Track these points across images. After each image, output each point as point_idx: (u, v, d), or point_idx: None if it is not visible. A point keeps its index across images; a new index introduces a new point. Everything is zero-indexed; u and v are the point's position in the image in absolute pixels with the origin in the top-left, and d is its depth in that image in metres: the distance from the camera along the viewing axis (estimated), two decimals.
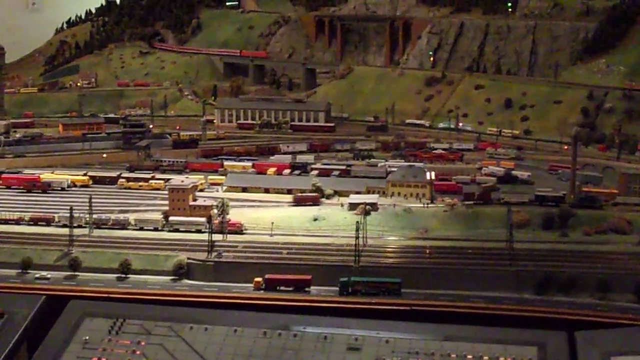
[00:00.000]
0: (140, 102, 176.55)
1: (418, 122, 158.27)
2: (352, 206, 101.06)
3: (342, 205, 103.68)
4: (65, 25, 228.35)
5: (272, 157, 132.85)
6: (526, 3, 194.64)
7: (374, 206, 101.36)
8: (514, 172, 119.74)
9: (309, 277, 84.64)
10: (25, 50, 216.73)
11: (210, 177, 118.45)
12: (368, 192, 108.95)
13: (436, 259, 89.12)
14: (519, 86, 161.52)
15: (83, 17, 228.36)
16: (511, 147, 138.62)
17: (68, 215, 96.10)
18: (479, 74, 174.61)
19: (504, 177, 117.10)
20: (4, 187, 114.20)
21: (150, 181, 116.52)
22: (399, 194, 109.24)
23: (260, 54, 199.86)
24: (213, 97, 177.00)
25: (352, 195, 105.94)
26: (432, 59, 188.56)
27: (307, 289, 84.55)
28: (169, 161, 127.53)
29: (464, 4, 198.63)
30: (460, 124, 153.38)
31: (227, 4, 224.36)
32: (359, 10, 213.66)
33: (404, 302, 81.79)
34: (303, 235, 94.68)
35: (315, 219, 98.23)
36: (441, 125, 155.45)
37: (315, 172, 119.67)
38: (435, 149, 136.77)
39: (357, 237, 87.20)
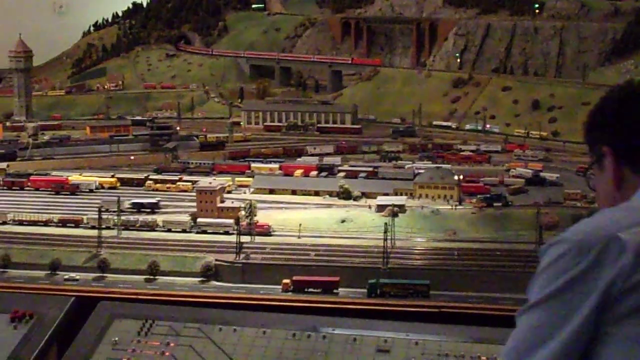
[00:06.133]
0: (166, 104, 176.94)
1: (445, 123, 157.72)
2: (380, 208, 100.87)
3: (369, 207, 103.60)
4: (92, 29, 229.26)
5: (298, 159, 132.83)
6: (553, 4, 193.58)
7: (401, 208, 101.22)
8: (542, 174, 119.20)
9: (337, 278, 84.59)
10: (52, 53, 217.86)
11: (237, 178, 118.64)
12: (396, 194, 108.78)
13: (465, 261, 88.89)
14: (546, 88, 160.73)
15: (110, 20, 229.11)
16: (539, 148, 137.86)
17: (96, 216, 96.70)
18: (506, 76, 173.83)
19: (532, 179, 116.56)
20: (33, 189, 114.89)
21: (178, 183, 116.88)
22: (426, 195, 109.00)
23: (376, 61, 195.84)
24: (239, 99, 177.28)
25: (379, 197, 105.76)
26: (458, 60, 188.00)
27: (335, 290, 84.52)
28: (196, 163, 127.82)
29: (491, 5, 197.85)
30: (488, 126, 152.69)
31: (253, 6, 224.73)
32: (385, 11, 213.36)
33: (433, 304, 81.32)
34: (331, 237, 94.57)
35: (343, 221, 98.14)
36: (468, 127, 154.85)
37: (342, 174, 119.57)
38: (463, 150, 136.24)
39: (385, 239, 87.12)
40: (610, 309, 2.80)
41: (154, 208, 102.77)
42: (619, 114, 3.20)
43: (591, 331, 2.82)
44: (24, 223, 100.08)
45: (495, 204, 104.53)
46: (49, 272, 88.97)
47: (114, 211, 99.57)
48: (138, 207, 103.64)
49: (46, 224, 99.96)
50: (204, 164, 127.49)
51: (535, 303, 2.91)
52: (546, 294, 2.88)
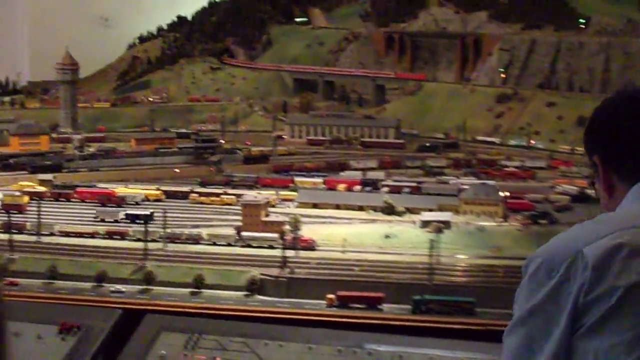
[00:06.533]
0: (210, 117, 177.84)
1: (489, 139, 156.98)
2: (425, 224, 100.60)
3: (414, 222, 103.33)
4: (137, 41, 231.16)
5: (342, 174, 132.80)
6: (598, 19, 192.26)
7: (446, 224, 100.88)
8: (587, 191, 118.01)
9: (381, 294, 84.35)
10: (98, 65, 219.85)
11: (281, 192, 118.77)
12: (440, 210, 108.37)
13: (510, 278, 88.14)
14: (591, 103, 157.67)
15: (155, 33, 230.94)
16: (584, 165, 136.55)
17: (142, 229, 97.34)
18: (551, 91, 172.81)
19: (578, 196, 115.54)
20: (79, 200, 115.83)
21: (222, 196, 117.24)
22: (471, 212, 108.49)
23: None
24: (283, 113, 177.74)
25: (424, 213, 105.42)
26: (503, 75, 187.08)
27: (379, 306, 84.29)
28: (240, 176, 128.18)
29: (535, 20, 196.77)
30: (532, 142, 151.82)
31: (297, 20, 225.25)
32: (429, 26, 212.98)
33: (479, 322, 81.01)
34: (375, 253, 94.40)
35: (387, 237, 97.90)
36: (512, 142, 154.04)
37: (385, 189, 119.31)
38: (507, 166, 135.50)
39: (430, 255, 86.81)
40: (579, 323, 2.86)
41: (147, 220, 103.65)
42: (606, 124, 3.35)
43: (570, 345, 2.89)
44: (71, 235, 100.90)
45: (540, 221, 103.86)
46: (95, 284, 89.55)
47: (110, 221, 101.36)
48: (132, 219, 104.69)
49: (92, 235, 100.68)
50: (248, 177, 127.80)
51: (517, 322, 3.03)
52: (527, 309, 2.98)
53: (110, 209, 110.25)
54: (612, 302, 2.79)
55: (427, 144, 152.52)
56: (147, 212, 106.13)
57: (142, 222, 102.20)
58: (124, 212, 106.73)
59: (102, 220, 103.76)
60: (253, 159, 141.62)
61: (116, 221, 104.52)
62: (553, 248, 3.06)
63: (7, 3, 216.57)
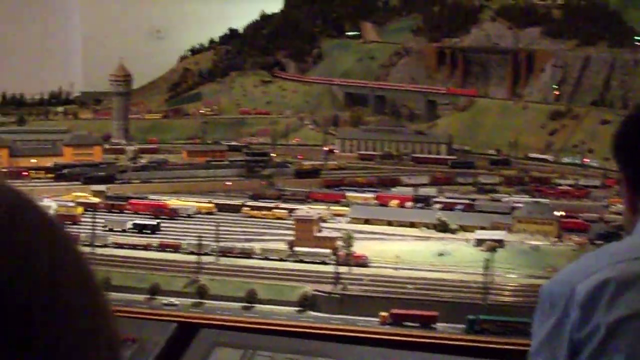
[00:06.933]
0: (261, 130, 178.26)
1: (541, 156, 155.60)
2: (479, 242, 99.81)
3: (467, 240, 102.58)
4: (188, 53, 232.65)
5: (393, 189, 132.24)
6: None
7: (500, 243, 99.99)
8: None
9: (435, 313, 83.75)
10: (149, 77, 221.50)
11: (332, 207, 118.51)
12: (493, 228, 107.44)
13: None
14: None
15: (206, 45, 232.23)
16: None
17: (195, 242, 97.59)
18: (605, 109, 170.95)
19: None
20: (132, 212, 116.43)
21: (274, 210, 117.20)
22: (524, 230, 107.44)
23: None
24: (334, 127, 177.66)
25: (478, 231, 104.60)
26: (556, 92, 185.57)
27: (432, 325, 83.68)
28: (292, 190, 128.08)
29: (589, 37, 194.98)
30: (586, 160, 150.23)
31: (348, 34, 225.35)
32: (481, 41, 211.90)
33: None
34: (428, 270, 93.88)
35: (441, 254, 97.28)
36: (566, 160, 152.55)
37: (438, 206, 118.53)
38: (561, 184, 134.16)
39: (485, 275, 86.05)
40: (577, 359, 2.87)
41: (154, 230, 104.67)
42: (629, 141, 3.26)
43: None
44: (124, 246, 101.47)
45: (596, 241, 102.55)
46: (148, 296, 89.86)
47: (117, 231, 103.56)
48: (139, 228, 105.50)
49: (145, 248, 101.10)
50: (300, 191, 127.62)
51: (532, 354, 3.04)
52: (538, 342, 3.00)
53: (118, 217, 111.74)
54: (600, 339, 2.77)
55: (460, 160, 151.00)
56: (154, 222, 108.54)
57: (148, 232, 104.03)
58: (131, 222, 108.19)
59: (111, 230, 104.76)
60: (304, 173, 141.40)
61: (124, 230, 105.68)
62: (558, 281, 3.00)
63: (62, 15, 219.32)
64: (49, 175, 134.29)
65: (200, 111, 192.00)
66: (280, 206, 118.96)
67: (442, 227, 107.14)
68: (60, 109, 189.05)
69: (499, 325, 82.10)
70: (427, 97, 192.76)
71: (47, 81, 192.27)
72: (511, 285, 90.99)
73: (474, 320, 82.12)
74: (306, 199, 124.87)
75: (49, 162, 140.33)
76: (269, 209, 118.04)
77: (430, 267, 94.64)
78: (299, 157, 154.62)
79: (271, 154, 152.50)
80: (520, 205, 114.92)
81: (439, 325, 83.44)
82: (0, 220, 1.58)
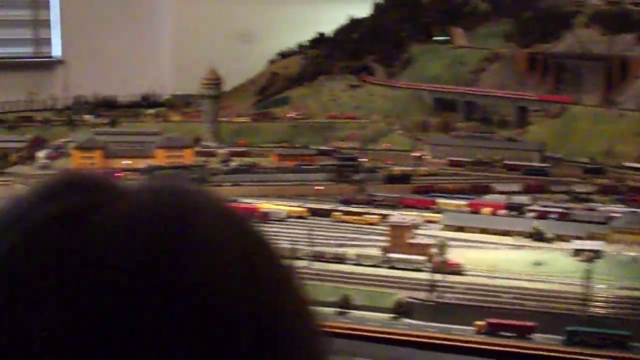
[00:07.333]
0: (349, 134, 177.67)
1: (637, 165, 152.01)
2: (576, 252, 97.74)
3: (562, 250, 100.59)
4: (277, 57, 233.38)
5: (485, 197, 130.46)
6: None
7: (598, 253, 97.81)
8: None
9: (533, 324, 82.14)
10: (237, 80, 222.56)
11: (423, 214, 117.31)
12: (589, 238, 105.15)
13: None
14: None
15: (295, 49, 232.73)
16: None
17: (288, 246, 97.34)
18: None
19: None
20: None
21: (364, 215, 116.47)
22: (622, 241, 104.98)
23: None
24: (422, 132, 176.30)
25: (574, 241, 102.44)
26: None
27: (529, 336, 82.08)
28: (383, 196, 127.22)
29: None
30: None
31: (437, 39, 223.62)
32: (574, 48, 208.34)
33: (633, 357, 78.15)
34: (525, 280, 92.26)
35: (538, 264, 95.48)
36: None
37: (532, 214, 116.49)
38: None
39: (585, 286, 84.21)
40: None
41: None
42: None
43: None
44: None
45: None
46: None
47: None
48: None
49: None
50: (390, 197, 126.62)
51: None
52: None
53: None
54: None
55: (530, 168, 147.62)
56: None
57: None
58: None
59: None
60: (394, 179, 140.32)
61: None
62: None
63: (152, 19, 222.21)
64: (142, 177, 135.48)
65: (289, 115, 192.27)
66: (371, 211, 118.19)
67: (538, 236, 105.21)
68: (150, 111, 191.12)
69: (599, 338, 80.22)
70: (517, 104, 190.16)
71: (138, 84, 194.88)
72: (611, 297, 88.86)
73: (574, 332, 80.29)
74: (397, 204, 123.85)
75: (141, 163, 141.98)
76: (360, 214, 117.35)
77: (526, 277, 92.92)
78: (390, 162, 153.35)
79: (360, 159, 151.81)
80: (616, 215, 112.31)
81: (536, 336, 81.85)
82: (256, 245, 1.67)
